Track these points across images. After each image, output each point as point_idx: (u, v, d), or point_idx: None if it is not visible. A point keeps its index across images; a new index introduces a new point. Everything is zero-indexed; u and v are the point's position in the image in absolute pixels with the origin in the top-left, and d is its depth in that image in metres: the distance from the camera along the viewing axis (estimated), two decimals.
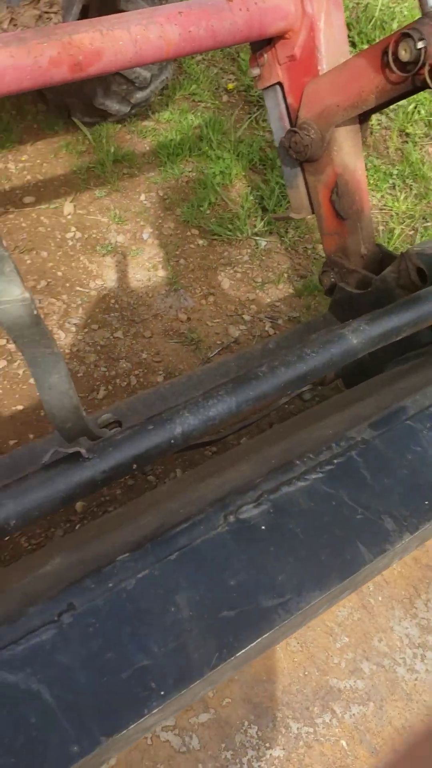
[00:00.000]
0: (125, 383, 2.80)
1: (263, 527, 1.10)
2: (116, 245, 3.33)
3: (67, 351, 2.88)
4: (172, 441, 1.33)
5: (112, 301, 3.10)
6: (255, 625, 1.01)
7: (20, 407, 2.65)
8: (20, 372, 2.78)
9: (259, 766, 1.84)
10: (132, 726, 0.90)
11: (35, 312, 1.18)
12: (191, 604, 1.01)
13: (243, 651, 0.98)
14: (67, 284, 3.14)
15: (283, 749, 1.88)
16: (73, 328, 2.97)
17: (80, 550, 1.25)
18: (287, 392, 1.49)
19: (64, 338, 2.92)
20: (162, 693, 0.93)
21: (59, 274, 3.17)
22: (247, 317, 3.11)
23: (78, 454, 1.26)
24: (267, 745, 1.88)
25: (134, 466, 1.30)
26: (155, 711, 0.92)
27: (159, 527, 1.12)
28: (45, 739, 0.88)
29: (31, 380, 2.76)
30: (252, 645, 0.99)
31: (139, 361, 2.88)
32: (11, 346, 2.86)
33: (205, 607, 1.01)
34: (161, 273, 3.24)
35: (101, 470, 1.27)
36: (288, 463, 1.20)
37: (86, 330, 2.97)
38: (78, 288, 3.13)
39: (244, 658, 1.02)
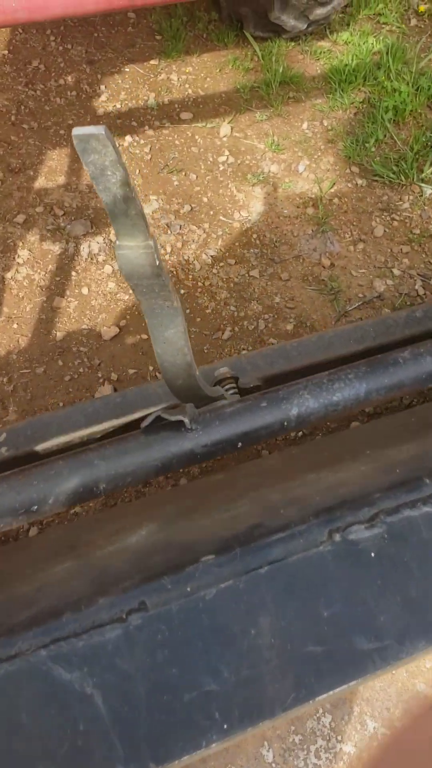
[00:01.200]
0: (252, 326, 2.65)
1: (373, 554, 0.95)
2: (268, 175, 3.12)
3: (199, 284, 2.76)
4: (285, 423, 1.19)
5: (254, 236, 2.93)
6: (343, 669, 0.88)
7: (144, 336, 2.58)
8: None
9: (326, 758, 1.75)
10: (185, 758, 0.81)
11: (158, 262, 1.06)
12: (274, 630, 0.88)
13: (323, 696, 0.86)
14: (211, 212, 2.99)
15: (355, 746, 1.78)
16: (210, 260, 2.83)
17: (169, 527, 1.15)
18: (430, 386, 1.30)
19: (198, 270, 2.80)
20: (225, 726, 0.83)
21: (204, 200, 3.02)
22: (396, 271, 2.85)
23: (181, 423, 1.15)
24: (338, 738, 1.79)
25: (239, 444, 1.17)
26: (213, 745, 0.82)
27: (254, 527, 0.99)
28: (90, 752, 0.80)
29: None
30: (335, 690, 0.87)
31: (271, 305, 2.72)
32: None
33: (290, 637, 0.89)
34: (311, 211, 3.02)
35: (202, 444, 1.16)
36: (416, 480, 1.03)
37: (222, 264, 2.83)
38: (221, 217, 2.97)
39: (324, 701, 0.89)
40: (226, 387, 1.70)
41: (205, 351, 2.57)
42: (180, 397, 1.42)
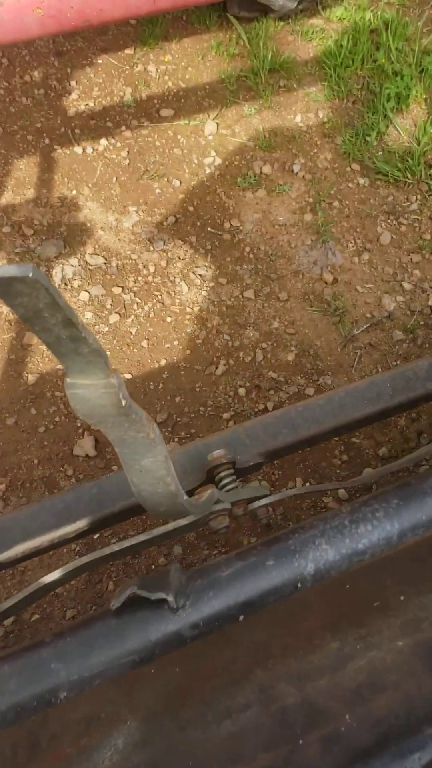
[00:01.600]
0: (249, 358, 2.37)
1: None
2: (260, 177, 2.81)
3: (188, 309, 2.47)
4: (299, 584, 0.93)
5: (247, 249, 2.63)
6: None
7: (128, 376, 2.30)
8: (132, 331, 2.41)
9: None
10: None
11: (124, 402, 0.80)
12: None
13: None
14: (198, 223, 2.68)
15: None
16: (198, 281, 2.53)
17: (151, 740, 0.89)
18: None
19: (186, 292, 2.50)
20: None
21: (190, 209, 2.71)
22: (407, 285, 2.55)
23: (163, 602, 0.88)
24: None
25: (240, 617, 0.91)
26: None
27: None
28: None
29: (144, 343, 2.39)
30: None
31: (269, 331, 2.43)
32: (126, 297, 2.48)
33: None
34: (309, 217, 2.71)
35: (192, 623, 0.89)
36: None
37: (212, 284, 2.53)
38: (210, 229, 2.67)
39: None
40: (222, 476, 1.44)
41: (197, 389, 2.29)
42: (164, 518, 1.15)
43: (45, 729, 1.03)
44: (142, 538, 1.27)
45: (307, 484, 2.12)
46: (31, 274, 0.56)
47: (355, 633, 1.00)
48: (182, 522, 1.21)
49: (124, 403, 0.78)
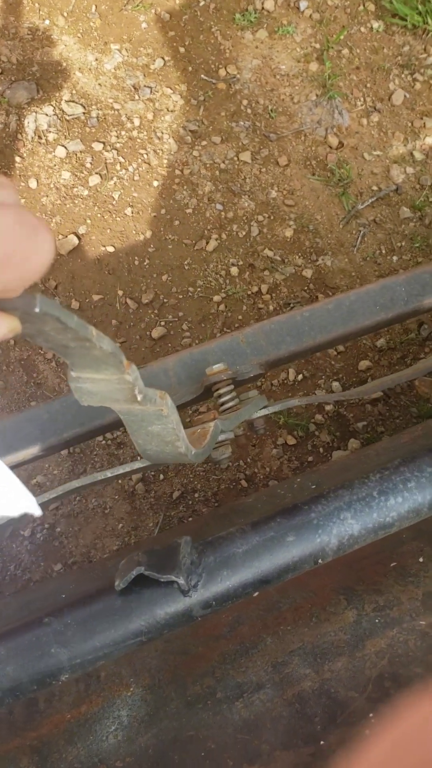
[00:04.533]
0: (244, 232, 2.17)
1: None
2: (262, 14, 2.44)
3: (177, 172, 2.22)
4: (320, 560, 0.84)
5: (245, 102, 2.33)
6: None
7: (110, 249, 2.09)
8: (115, 196, 2.17)
9: None
10: None
11: (140, 396, 0.70)
12: None
13: None
14: (190, 68, 2.36)
15: None
16: (189, 138, 2.26)
17: (162, 706, 0.83)
18: None
19: (175, 151, 2.24)
20: None
21: (181, 50, 2.37)
22: (418, 155, 2.32)
23: (172, 582, 0.79)
24: None
25: (255, 593, 0.83)
26: None
27: None
28: None
29: (128, 210, 2.16)
30: None
31: (266, 201, 2.21)
32: (108, 155, 2.21)
33: None
34: (314, 67, 2.40)
35: (203, 602, 0.80)
36: None
37: (205, 143, 2.26)
38: (203, 76, 2.35)
39: None
40: (221, 392, 1.33)
41: (186, 267, 2.11)
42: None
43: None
44: (137, 465, 1.18)
45: (300, 376, 2.01)
46: (38, 309, 0.43)
47: (372, 602, 0.94)
48: None
49: (140, 398, 0.67)
